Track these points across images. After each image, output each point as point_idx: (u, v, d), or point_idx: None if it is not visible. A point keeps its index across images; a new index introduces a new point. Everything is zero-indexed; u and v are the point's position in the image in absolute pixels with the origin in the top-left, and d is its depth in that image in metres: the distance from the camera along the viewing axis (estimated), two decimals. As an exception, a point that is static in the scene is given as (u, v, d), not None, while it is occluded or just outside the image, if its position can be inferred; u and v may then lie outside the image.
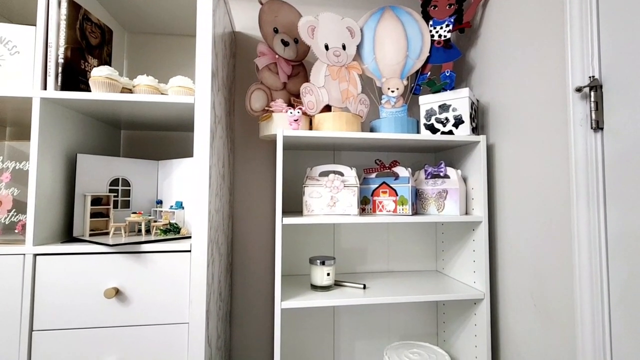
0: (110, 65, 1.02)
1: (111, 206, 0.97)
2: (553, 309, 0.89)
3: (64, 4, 0.85)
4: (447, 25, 1.19)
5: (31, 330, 0.79)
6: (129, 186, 1.04)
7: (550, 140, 0.90)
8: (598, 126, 0.75)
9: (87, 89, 0.90)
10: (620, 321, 0.73)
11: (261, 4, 1.14)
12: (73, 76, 0.87)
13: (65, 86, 0.85)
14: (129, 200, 1.04)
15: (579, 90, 0.78)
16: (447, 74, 1.17)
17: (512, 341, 1.03)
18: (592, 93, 0.76)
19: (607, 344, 0.75)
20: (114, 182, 1.01)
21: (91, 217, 0.93)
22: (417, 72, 1.25)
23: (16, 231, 0.86)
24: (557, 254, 0.88)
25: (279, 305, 0.97)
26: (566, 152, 0.84)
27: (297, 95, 1.20)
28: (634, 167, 0.70)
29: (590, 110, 0.76)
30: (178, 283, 0.85)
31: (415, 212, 1.17)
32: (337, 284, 1.15)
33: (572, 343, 0.83)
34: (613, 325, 0.74)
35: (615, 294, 0.74)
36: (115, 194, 1.01)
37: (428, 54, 1.21)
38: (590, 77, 0.77)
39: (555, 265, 0.88)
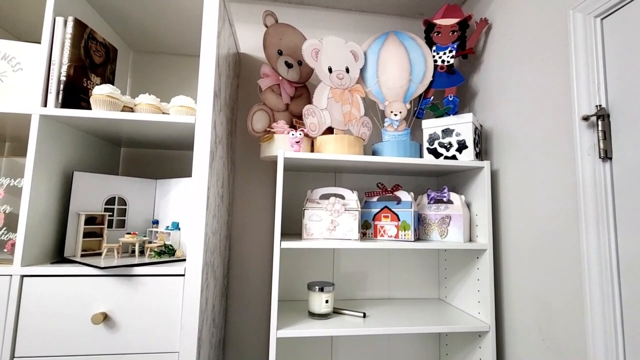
0: (113, 83, 1.01)
1: (105, 226, 0.94)
2: (563, 345, 0.84)
3: (70, 23, 0.86)
4: (450, 51, 1.20)
5: (12, 357, 0.75)
6: (125, 205, 1.02)
7: (556, 167, 0.88)
8: (607, 156, 0.74)
9: (88, 106, 0.89)
10: (636, 357, 0.69)
11: (266, 26, 1.15)
12: (74, 94, 0.86)
13: (65, 104, 0.84)
14: (124, 220, 1.02)
15: (585, 119, 0.76)
16: (451, 99, 1.17)
17: (520, 378, 0.98)
18: (600, 122, 0.75)
19: (622, 386, 0.70)
20: (110, 200, 0.99)
21: (84, 236, 0.90)
22: (420, 96, 1.25)
23: (5, 250, 0.83)
24: (566, 285, 0.84)
25: (275, 334, 0.93)
26: (573, 179, 0.82)
27: (300, 117, 1.19)
28: (645, 199, 0.67)
29: (598, 140, 0.75)
30: (170, 309, 0.81)
31: (418, 238, 1.13)
32: (336, 311, 1.11)
33: (585, 384, 0.78)
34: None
35: (629, 327, 0.70)
36: (111, 213, 0.99)
37: (431, 79, 1.22)
38: (597, 106, 0.76)
39: (564, 296, 0.84)
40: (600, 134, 0.74)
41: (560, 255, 0.86)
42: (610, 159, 0.74)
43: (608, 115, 0.75)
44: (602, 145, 0.74)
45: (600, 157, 0.75)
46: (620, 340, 0.71)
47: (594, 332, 0.74)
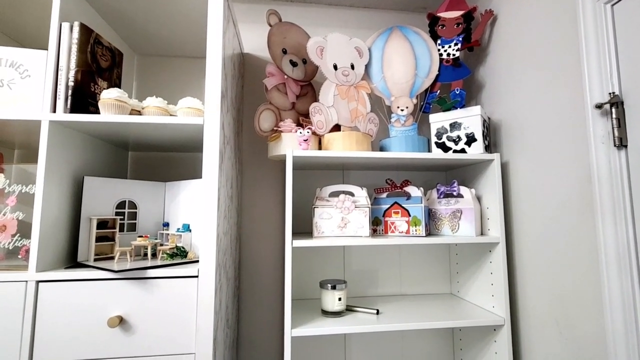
0: (119, 87, 1.02)
1: (117, 229, 0.94)
2: (581, 337, 0.83)
3: (76, 29, 0.86)
4: (456, 44, 1.19)
5: (31, 361, 0.75)
6: (136, 209, 1.02)
7: (568, 157, 0.87)
8: (622, 143, 0.73)
9: (97, 111, 0.89)
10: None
11: (270, 25, 1.15)
12: (82, 99, 0.86)
13: (74, 109, 0.84)
14: (135, 223, 1.02)
15: (599, 107, 0.75)
16: (457, 92, 1.16)
17: (537, 371, 0.97)
18: (613, 110, 0.74)
19: (644, 377, 0.69)
20: (121, 204, 0.99)
21: (97, 241, 0.90)
22: (426, 90, 1.24)
23: (20, 256, 0.83)
24: (583, 276, 0.83)
25: (289, 333, 0.93)
26: (586, 169, 0.81)
27: (306, 115, 1.19)
28: (663, 186, 0.66)
29: (612, 128, 0.74)
30: (184, 310, 0.81)
31: (429, 233, 1.13)
32: (349, 309, 1.10)
33: (605, 375, 0.77)
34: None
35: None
36: (122, 217, 0.99)
37: (437, 73, 1.21)
38: (610, 93, 0.75)
39: (581, 288, 0.83)
40: (614, 121, 0.73)
41: (575, 246, 0.85)
42: (626, 146, 0.73)
43: (622, 103, 0.73)
44: (616, 133, 0.73)
45: (615, 145, 0.73)
46: (641, 330, 0.70)
47: (614, 323, 0.73)
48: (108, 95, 0.86)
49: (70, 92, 0.84)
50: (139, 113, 0.92)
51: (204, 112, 0.89)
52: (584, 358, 0.83)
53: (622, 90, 0.74)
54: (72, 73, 0.85)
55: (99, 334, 0.78)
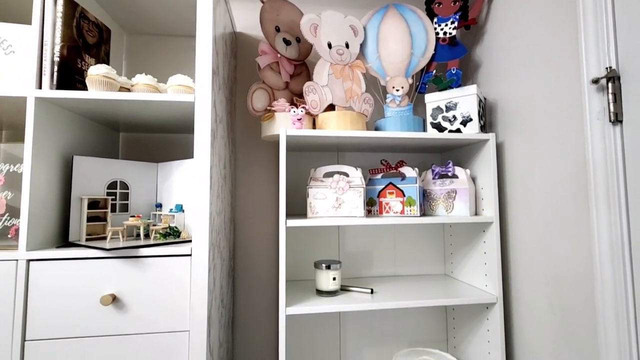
0: (108, 64, 0.99)
1: (109, 210, 0.93)
2: (573, 314, 0.84)
3: (60, 2, 0.83)
4: (452, 23, 1.17)
5: (24, 340, 0.75)
6: (128, 189, 1.01)
7: (564, 135, 0.86)
8: (617, 119, 0.72)
9: (84, 88, 0.87)
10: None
11: (262, 2, 1.12)
12: (69, 75, 0.84)
13: (61, 85, 0.82)
14: (127, 204, 1.01)
15: (595, 81, 0.74)
16: (453, 72, 1.14)
17: (528, 348, 0.99)
18: (610, 84, 0.73)
19: (634, 350, 0.70)
20: (112, 185, 0.98)
21: (88, 221, 0.89)
22: (422, 70, 1.22)
23: (9, 236, 0.82)
24: (575, 255, 0.83)
25: (284, 311, 0.93)
26: (582, 146, 0.81)
27: (300, 95, 1.17)
28: (657, 161, 0.66)
29: (608, 103, 0.73)
30: (178, 289, 0.81)
31: (423, 214, 1.13)
32: (344, 289, 1.11)
33: (595, 350, 0.78)
34: None
35: (640, 296, 0.70)
36: (113, 198, 0.98)
37: (433, 52, 1.19)
38: (607, 68, 0.74)
39: (573, 267, 0.84)
40: (610, 96, 0.72)
41: (569, 225, 0.85)
42: (621, 122, 0.72)
43: (619, 77, 0.73)
44: (612, 109, 0.72)
45: (610, 121, 0.73)
46: (631, 304, 0.71)
47: (604, 299, 0.74)
48: (96, 72, 0.83)
49: (56, 67, 0.82)
50: (128, 91, 0.90)
51: (194, 89, 0.87)
52: (574, 333, 0.84)
53: (620, 65, 0.73)
54: (57, 48, 0.82)
55: (93, 312, 0.78)
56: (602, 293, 0.74)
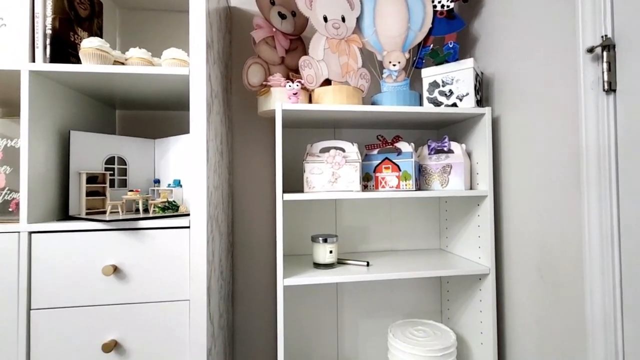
0: (101, 38, 0.98)
1: (107, 184, 0.94)
2: (561, 281, 0.87)
3: (50, -28, 0.82)
4: (450, -6, 1.15)
5: (29, 309, 0.78)
6: (125, 165, 1.02)
7: (559, 108, 0.87)
8: (610, 88, 0.72)
9: (78, 62, 0.86)
10: (630, 290, 0.71)
11: (256, -26, 1.10)
12: (62, 48, 0.84)
13: (54, 59, 0.82)
14: (125, 180, 1.02)
15: (590, 50, 0.74)
16: (451, 46, 1.13)
17: (519, 315, 1.02)
18: (605, 53, 0.73)
19: (618, 315, 0.73)
20: (110, 160, 0.99)
21: (87, 195, 0.91)
22: (419, 45, 1.21)
23: (10, 209, 0.84)
24: (566, 225, 0.85)
25: (282, 282, 0.96)
26: (575, 117, 0.81)
27: (296, 70, 1.16)
28: (648, 129, 0.67)
29: (603, 72, 0.73)
30: (178, 260, 0.83)
31: (419, 188, 1.14)
32: (340, 262, 1.13)
33: (582, 315, 0.81)
34: (624, 297, 0.72)
35: (627, 264, 0.72)
36: (112, 173, 0.99)
37: (430, 26, 1.17)
38: (602, 36, 0.73)
39: (563, 237, 0.86)
40: (604, 65, 0.72)
41: (561, 197, 0.87)
42: (614, 90, 0.73)
43: (614, 46, 0.72)
44: (606, 77, 0.72)
45: (604, 90, 0.73)
46: (617, 272, 0.73)
47: (592, 266, 0.76)
48: (89, 45, 0.83)
49: (48, 40, 0.81)
50: (122, 65, 0.89)
51: (189, 63, 0.86)
52: (562, 299, 0.87)
53: (615, 33, 0.72)
54: (49, 20, 0.81)
55: (95, 282, 0.80)
56: (590, 260, 0.76)
